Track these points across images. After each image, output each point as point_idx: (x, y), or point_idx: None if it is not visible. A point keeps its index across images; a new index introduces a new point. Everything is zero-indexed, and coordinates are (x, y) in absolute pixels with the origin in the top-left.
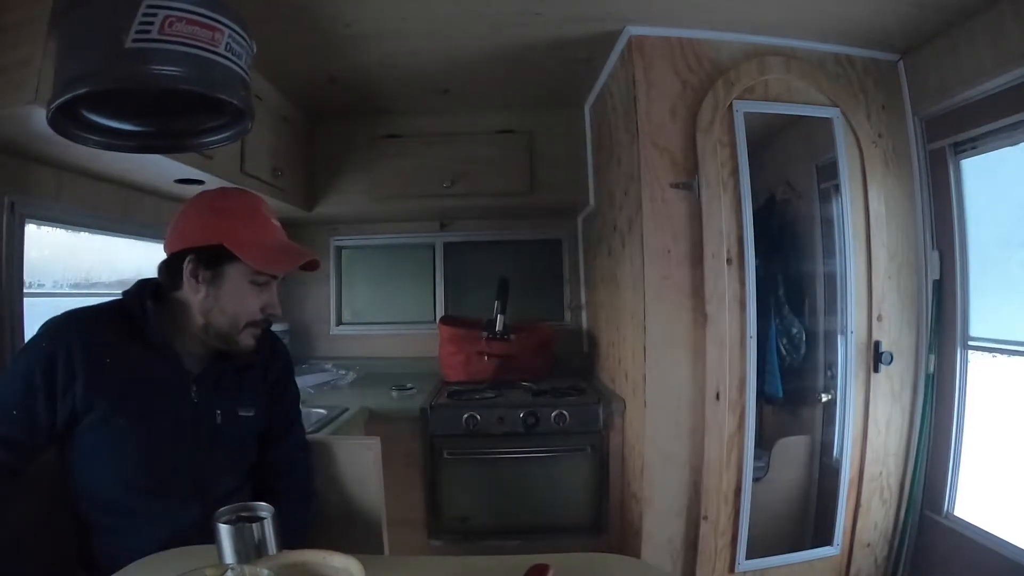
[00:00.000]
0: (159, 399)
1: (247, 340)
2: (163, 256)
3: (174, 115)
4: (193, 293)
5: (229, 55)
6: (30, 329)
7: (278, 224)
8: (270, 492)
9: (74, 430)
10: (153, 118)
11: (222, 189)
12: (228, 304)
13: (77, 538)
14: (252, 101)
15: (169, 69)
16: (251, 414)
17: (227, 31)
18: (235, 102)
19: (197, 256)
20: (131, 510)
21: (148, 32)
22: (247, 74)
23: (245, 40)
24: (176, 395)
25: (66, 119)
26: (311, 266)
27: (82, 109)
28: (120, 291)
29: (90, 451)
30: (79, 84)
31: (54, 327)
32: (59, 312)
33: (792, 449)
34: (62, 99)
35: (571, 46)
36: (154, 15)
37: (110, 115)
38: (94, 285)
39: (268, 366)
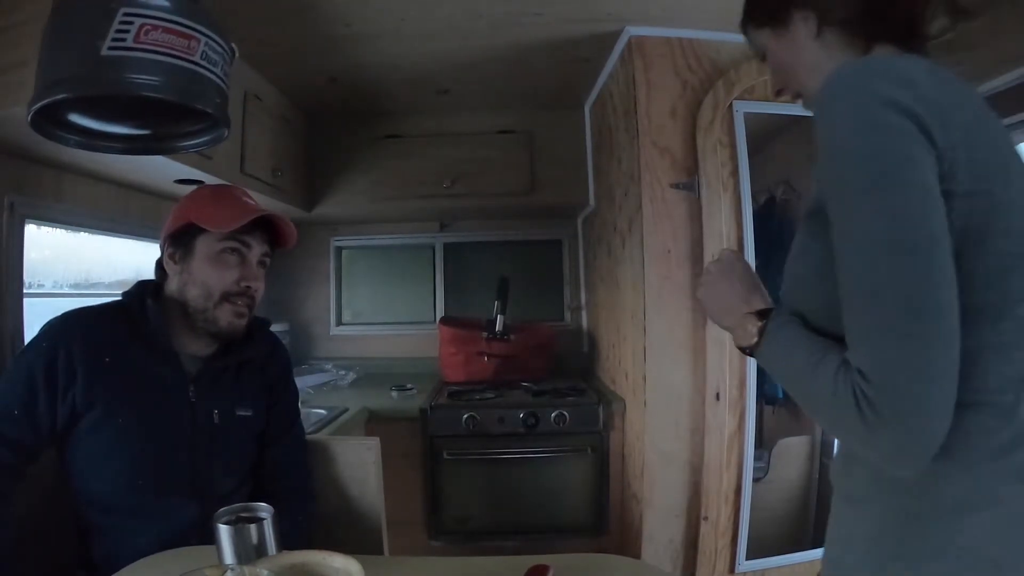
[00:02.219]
0: (158, 399)
1: (227, 316)
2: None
3: (155, 118)
4: (172, 276)
5: (205, 63)
6: (30, 329)
7: (252, 202)
8: (269, 492)
9: (74, 430)
10: (134, 121)
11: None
12: (199, 274)
13: (77, 538)
14: (227, 109)
15: (144, 78)
16: (249, 414)
17: (203, 39)
18: (209, 111)
19: (172, 239)
20: (130, 510)
21: (124, 40)
22: (224, 82)
23: (222, 47)
24: (174, 395)
25: (49, 121)
26: (284, 241)
27: (66, 112)
28: (120, 291)
29: (89, 451)
30: (57, 89)
31: (54, 327)
32: (59, 313)
33: (792, 449)
34: (41, 103)
35: (571, 46)
36: (130, 23)
37: (93, 117)
38: (94, 285)
39: (267, 366)
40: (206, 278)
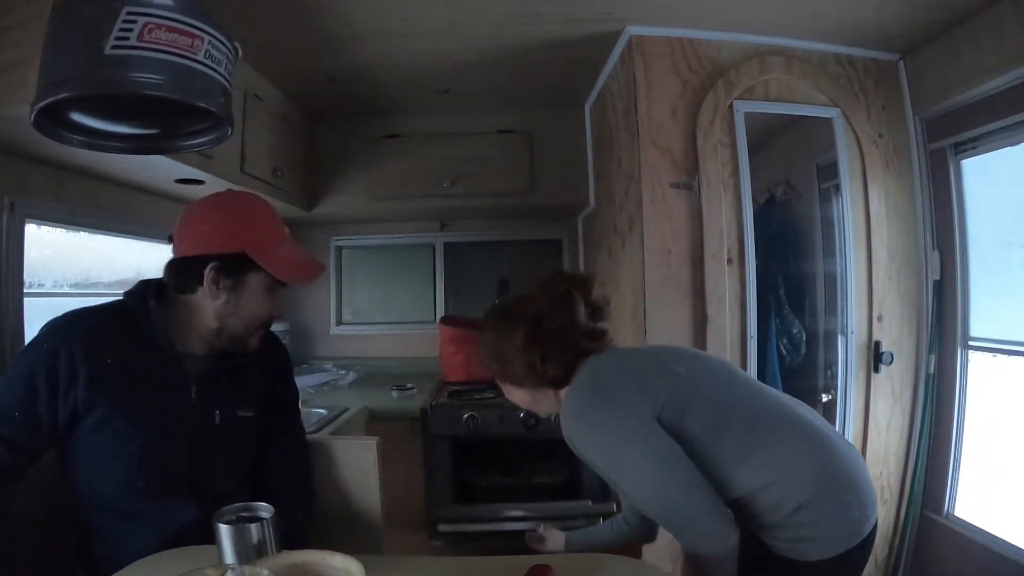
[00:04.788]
0: (159, 399)
1: (255, 342)
2: (166, 256)
3: (159, 117)
4: (212, 299)
5: (208, 62)
6: (30, 329)
7: (286, 228)
8: (270, 492)
9: (75, 430)
10: (138, 120)
11: (235, 193)
12: (247, 310)
13: (77, 539)
14: (231, 108)
15: (147, 77)
16: (250, 414)
17: (207, 38)
18: (213, 109)
19: (221, 264)
20: (130, 510)
21: (127, 39)
22: (228, 80)
23: (226, 45)
24: (176, 395)
25: (51, 120)
26: None
27: (67, 111)
28: (120, 291)
29: (90, 451)
30: (60, 88)
31: (55, 328)
32: (59, 312)
33: None
34: (44, 102)
35: (571, 46)
36: (134, 22)
37: (95, 116)
38: (94, 285)
39: (267, 366)
40: (253, 313)
